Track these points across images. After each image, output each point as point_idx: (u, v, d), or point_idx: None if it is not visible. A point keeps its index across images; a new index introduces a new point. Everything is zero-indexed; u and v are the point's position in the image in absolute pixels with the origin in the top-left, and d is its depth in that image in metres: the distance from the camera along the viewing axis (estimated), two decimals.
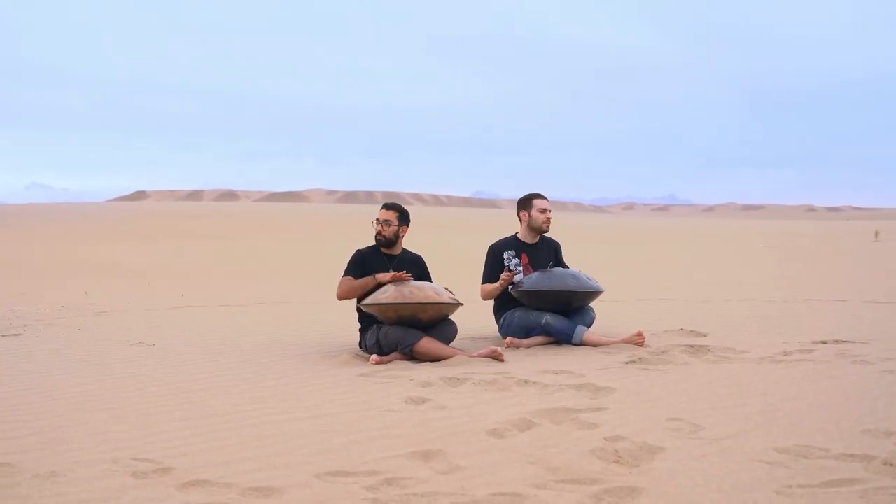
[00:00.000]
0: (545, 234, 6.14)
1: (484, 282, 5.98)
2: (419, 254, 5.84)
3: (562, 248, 6.25)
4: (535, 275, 5.73)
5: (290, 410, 3.83)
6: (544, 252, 6.08)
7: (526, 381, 4.33)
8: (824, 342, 5.28)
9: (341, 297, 5.61)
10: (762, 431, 3.24)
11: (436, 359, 5.08)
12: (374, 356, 5.13)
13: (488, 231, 31.88)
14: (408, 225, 5.73)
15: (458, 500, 2.58)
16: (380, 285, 5.37)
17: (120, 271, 14.17)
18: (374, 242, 5.71)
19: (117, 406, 3.98)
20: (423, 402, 3.97)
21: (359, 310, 5.58)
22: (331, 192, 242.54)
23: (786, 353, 4.92)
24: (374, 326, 5.37)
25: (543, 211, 6.02)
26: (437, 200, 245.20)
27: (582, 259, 11.93)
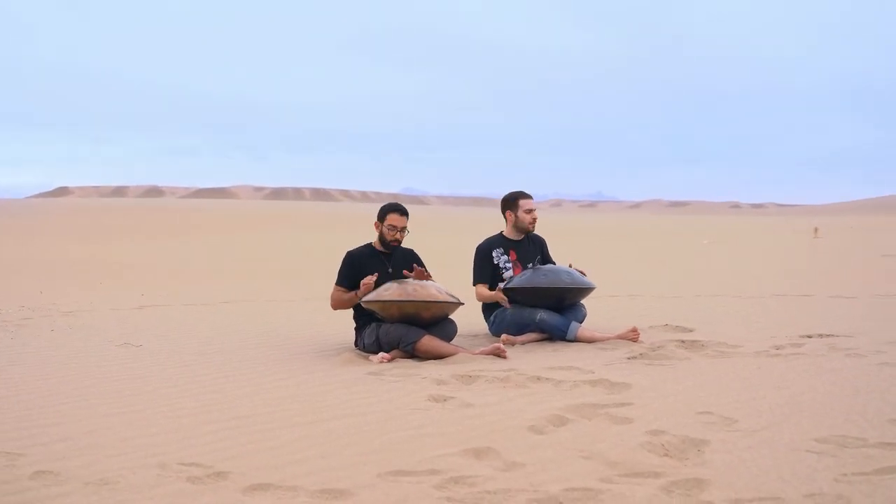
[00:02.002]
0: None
1: (476, 282, 6.01)
2: (412, 249, 5.83)
3: (546, 243, 6.35)
4: (528, 272, 5.80)
5: (316, 411, 3.81)
6: (531, 248, 6.16)
7: (538, 378, 4.39)
8: (810, 336, 5.47)
9: (334, 308, 5.62)
10: (792, 423, 3.36)
11: (437, 356, 5.10)
12: (383, 354, 5.12)
13: (419, 229, 31.93)
14: None
15: (533, 497, 2.61)
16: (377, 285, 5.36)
17: (61, 269, 13.75)
18: (363, 242, 5.70)
19: (136, 409, 3.90)
20: (446, 399, 3.99)
21: (355, 308, 5.56)
22: (258, 189, 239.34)
23: (778, 348, 5.09)
24: (374, 324, 5.36)
25: (529, 211, 6.10)
26: (365, 197, 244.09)
27: None
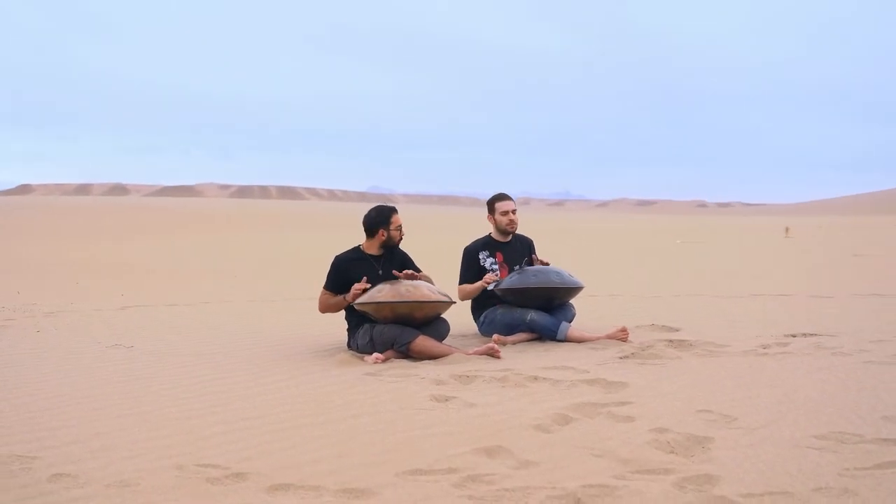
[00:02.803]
0: (517, 233, 6.33)
1: (461, 283, 6.10)
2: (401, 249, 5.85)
3: (534, 244, 6.45)
4: (517, 272, 5.89)
5: (323, 412, 3.86)
6: (518, 250, 6.25)
7: (535, 378, 4.48)
8: (794, 336, 5.62)
9: (322, 311, 5.68)
10: (790, 420, 3.48)
11: (431, 357, 5.17)
12: (377, 354, 5.17)
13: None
14: None
15: (552, 494, 2.69)
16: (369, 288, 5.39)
17: (33, 269, 13.60)
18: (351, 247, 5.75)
19: (142, 411, 3.92)
20: (447, 399, 4.06)
21: (347, 309, 5.60)
22: (224, 187, 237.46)
23: (765, 347, 5.22)
24: (367, 325, 5.41)
25: (505, 213, 6.18)
26: (332, 195, 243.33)
27: None
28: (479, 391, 4.23)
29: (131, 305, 8.59)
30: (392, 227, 5.60)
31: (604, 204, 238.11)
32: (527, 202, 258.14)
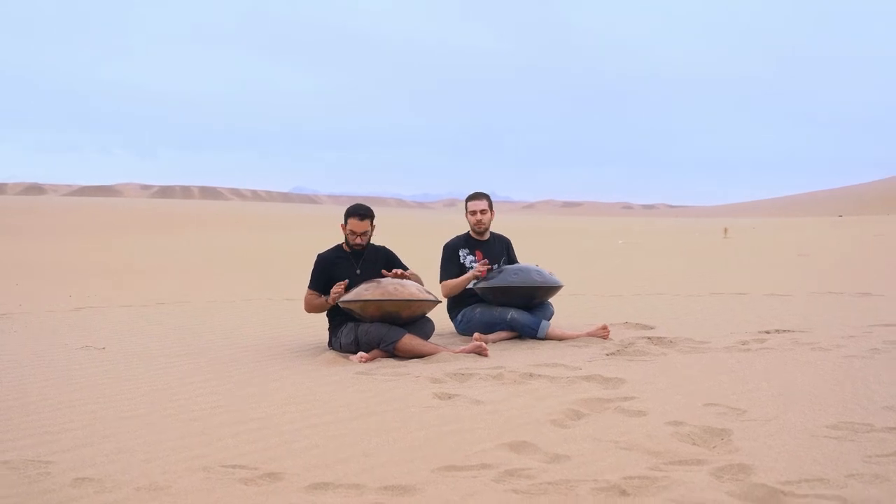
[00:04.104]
0: (496, 232, 6.37)
1: (443, 279, 6.10)
2: (383, 244, 5.80)
3: (512, 243, 6.50)
4: (496, 272, 5.92)
5: (331, 411, 3.81)
6: (497, 248, 6.29)
7: (531, 375, 4.51)
8: (768, 332, 5.79)
9: (308, 311, 5.62)
10: (797, 412, 3.58)
11: (418, 355, 5.15)
12: (362, 354, 5.13)
13: (310, 228, 31.81)
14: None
15: (596, 486, 2.72)
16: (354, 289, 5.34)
17: None
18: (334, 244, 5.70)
19: (141, 413, 3.81)
20: (451, 397, 4.06)
21: (330, 308, 5.54)
22: (145, 187, 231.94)
23: (744, 343, 5.37)
24: (351, 324, 5.36)
25: (473, 213, 6.21)
26: (256, 196, 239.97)
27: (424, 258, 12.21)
28: (480, 389, 4.24)
29: (85, 307, 8.33)
30: (347, 227, 5.55)
31: (530, 205, 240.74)
32: (452, 203, 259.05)
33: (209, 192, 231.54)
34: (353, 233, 5.53)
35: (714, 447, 3.14)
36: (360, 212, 5.57)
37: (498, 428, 3.46)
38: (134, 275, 12.79)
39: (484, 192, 6.31)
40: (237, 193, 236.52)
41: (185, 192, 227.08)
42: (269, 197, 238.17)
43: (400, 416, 3.69)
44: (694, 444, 3.19)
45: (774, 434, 3.25)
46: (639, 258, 16.60)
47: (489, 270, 6.00)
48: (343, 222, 5.59)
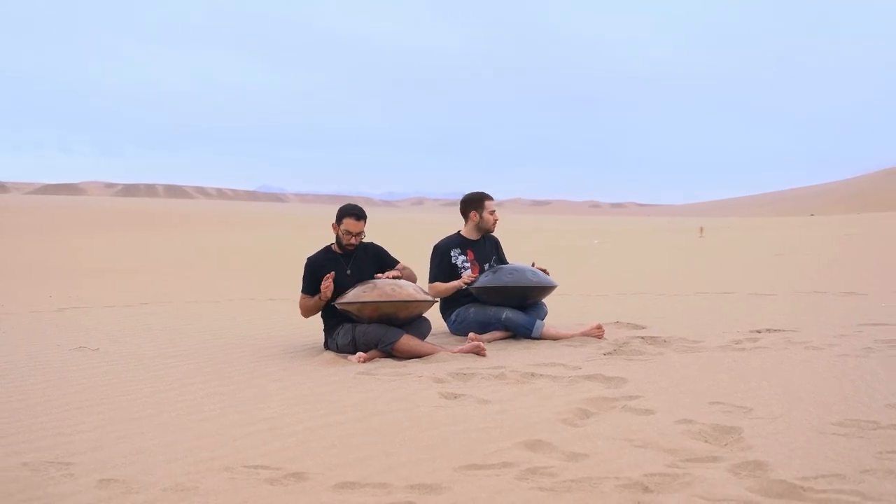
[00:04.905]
0: None
1: (432, 280, 6.13)
2: (372, 241, 5.77)
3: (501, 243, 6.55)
4: (490, 272, 5.97)
5: (338, 411, 3.83)
6: (488, 248, 6.34)
7: (532, 375, 4.56)
8: (759, 331, 5.89)
9: (304, 316, 5.61)
10: (802, 410, 3.66)
11: (416, 356, 5.17)
12: (360, 354, 5.15)
13: (281, 227, 31.64)
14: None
15: (618, 483, 2.77)
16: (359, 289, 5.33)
17: None
18: (324, 246, 5.69)
19: (150, 414, 3.81)
20: (457, 396, 4.09)
21: (325, 309, 5.55)
22: (109, 185, 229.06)
23: (737, 342, 5.46)
24: (348, 325, 5.37)
25: (493, 213, 6.27)
26: (221, 194, 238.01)
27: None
28: (484, 388, 4.28)
29: (67, 307, 8.25)
30: (342, 227, 5.55)
31: (499, 204, 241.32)
32: (420, 202, 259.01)
33: (174, 191, 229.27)
34: (349, 233, 5.53)
35: (726, 445, 3.21)
36: (355, 212, 5.57)
37: (510, 427, 3.50)
38: (113, 275, 12.67)
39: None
40: (202, 192, 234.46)
41: (150, 190, 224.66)
42: (235, 195, 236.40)
43: (410, 416, 3.72)
44: (706, 441, 3.25)
45: (783, 431, 3.33)
46: (616, 257, 16.75)
47: (481, 269, 6.06)
48: (336, 222, 5.58)
